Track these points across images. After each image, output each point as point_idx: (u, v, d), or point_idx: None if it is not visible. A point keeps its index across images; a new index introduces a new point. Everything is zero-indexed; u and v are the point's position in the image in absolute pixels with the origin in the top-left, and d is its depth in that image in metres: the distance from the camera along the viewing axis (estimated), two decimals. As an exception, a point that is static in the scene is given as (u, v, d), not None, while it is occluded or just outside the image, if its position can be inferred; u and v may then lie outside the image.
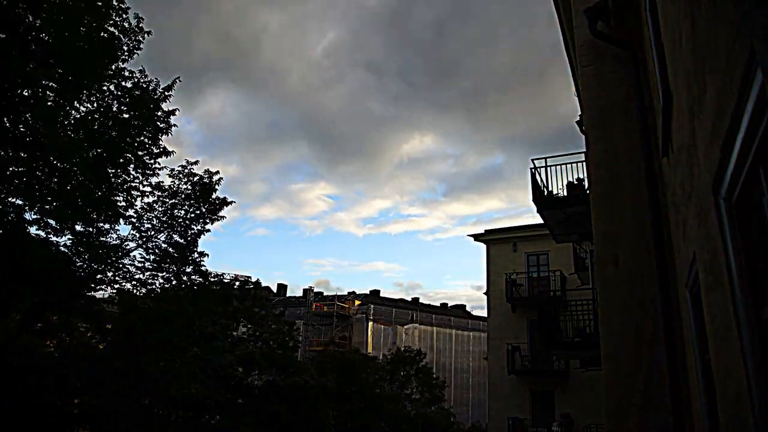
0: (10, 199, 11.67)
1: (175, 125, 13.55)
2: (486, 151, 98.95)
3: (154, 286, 14.97)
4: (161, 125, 13.32)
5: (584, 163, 10.97)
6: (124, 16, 11.96)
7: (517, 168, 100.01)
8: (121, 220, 13.85)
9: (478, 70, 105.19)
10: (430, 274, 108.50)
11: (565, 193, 11.50)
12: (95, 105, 12.41)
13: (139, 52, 12.57)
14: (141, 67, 12.96)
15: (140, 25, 12.31)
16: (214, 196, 15.45)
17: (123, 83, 12.69)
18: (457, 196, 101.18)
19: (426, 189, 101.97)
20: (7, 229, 11.48)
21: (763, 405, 1.91)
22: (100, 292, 14.62)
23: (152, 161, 13.64)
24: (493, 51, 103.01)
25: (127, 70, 12.68)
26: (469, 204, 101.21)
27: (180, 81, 13.56)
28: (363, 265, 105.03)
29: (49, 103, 10.62)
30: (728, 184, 2.12)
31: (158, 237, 15.09)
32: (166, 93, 13.30)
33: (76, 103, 11.90)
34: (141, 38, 12.44)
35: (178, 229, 15.27)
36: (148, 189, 14.21)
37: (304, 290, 56.12)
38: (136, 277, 14.68)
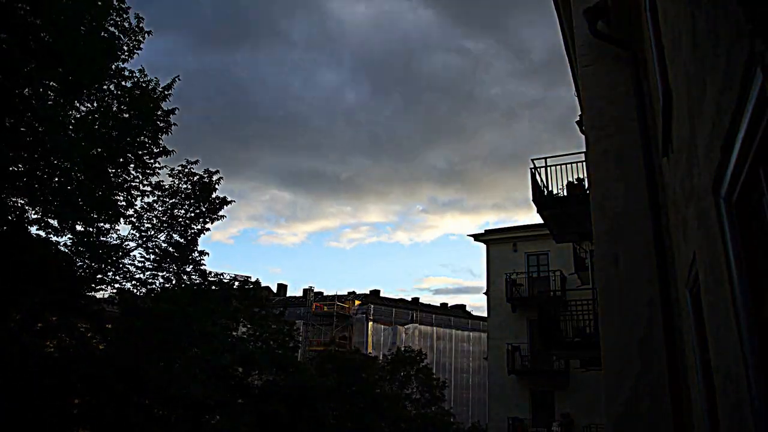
0: (10, 199, 11.68)
1: (175, 124, 13.58)
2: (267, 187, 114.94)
3: (154, 286, 14.98)
4: (161, 124, 13.35)
5: (584, 163, 10.96)
6: (125, 16, 12.02)
7: (303, 202, 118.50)
8: (121, 220, 13.87)
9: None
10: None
11: (565, 193, 11.50)
12: (95, 105, 12.44)
13: (139, 52, 12.63)
14: (140, 67, 13.00)
15: (140, 25, 12.38)
16: (214, 196, 15.48)
17: (123, 83, 12.74)
18: (300, 219, 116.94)
19: (273, 213, 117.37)
20: (8, 229, 11.48)
21: (763, 405, 1.91)
22: (100, 292, 14.63)
23: (152, 161, 13.67)
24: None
25: (127, 70, 12.74)
26: (310, 224, 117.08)
27: (179, 80, 13.60)
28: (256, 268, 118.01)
29: (49, 103, 10.62)
30: (728, 184, 2.12)
31: (158, 236, 15.11)
32: (166, 92, 13.33)
33: (76, 103, 11.93)
34: (141, 38, 12.51)
35: (178, 228, 15.28)
36: (148, 188, 14.24)
37: (304, 290, 56.14)
38: (136, 276, 14.70)
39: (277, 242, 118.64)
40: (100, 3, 11.26)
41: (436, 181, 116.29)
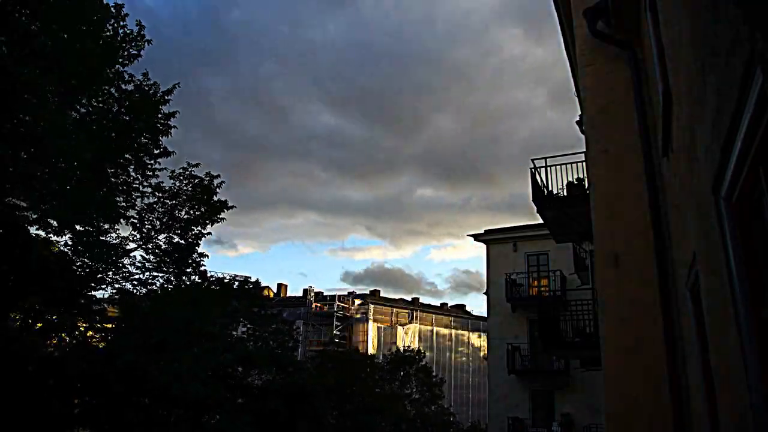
0: (10, 199, 11.68)
1: (175, 127, 13.63)
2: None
3: (154, 286, 14.99)
4: (161, 127, 13.40)
5: (584, 163, 10.96)
6: (122, 23, 12.14)
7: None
8: (122, 220, 13.88)
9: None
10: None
11: (565, 193, 11.49)
12: (95, 107, 12.48)
13: (140, 58, 12.77)
14: (144, 71, 13.09)
15: (141, 33, 12.51)
16: (214, 199, 15.49)
17: (123, 86, 12.80)
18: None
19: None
20: (8, 229, 11.48)
21: (762, 405, 1.91)
22: (101, 291, 14.64)
23: (152, 162, 13.69)
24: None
25: (128, 74, 12.80)
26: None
27: (179, 86, 13.62)
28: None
29: (49, 105, 10.64)
30: (728, 184, 2.12)
31: (158, 237, 15.12)
32: (166, 96, 13.39)
33: (76, 105, 11.96)
34: (141, 45, 12.65)
35: (178, 230, 15.29)
36: (149, 190, 14.26)
37: (304, 290, 56.02)
38: (136, 276, 14.72)
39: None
40: (96, 11, 11.34)
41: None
